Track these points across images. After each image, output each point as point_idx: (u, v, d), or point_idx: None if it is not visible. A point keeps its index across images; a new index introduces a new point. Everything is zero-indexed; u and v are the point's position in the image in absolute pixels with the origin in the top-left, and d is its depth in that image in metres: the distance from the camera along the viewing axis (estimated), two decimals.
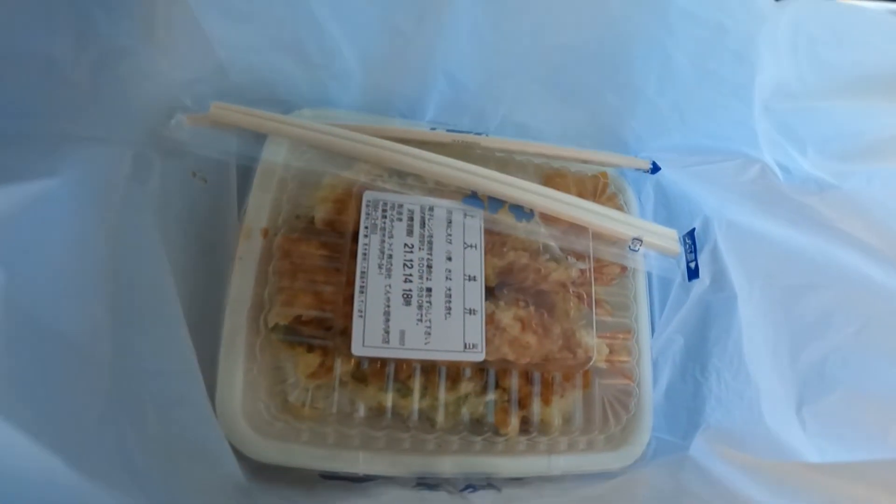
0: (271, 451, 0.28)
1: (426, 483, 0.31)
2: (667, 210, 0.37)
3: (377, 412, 0.29)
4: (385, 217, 0.29)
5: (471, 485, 0.31)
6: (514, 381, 0.30)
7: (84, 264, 0.22)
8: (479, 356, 0.28)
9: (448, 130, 0.32)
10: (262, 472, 0.30)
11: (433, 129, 0.32)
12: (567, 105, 0.35)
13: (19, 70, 0.22)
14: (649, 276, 0.37)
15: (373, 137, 0.30)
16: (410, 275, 0.29)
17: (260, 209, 0.31)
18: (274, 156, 0.32)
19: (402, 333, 0.28)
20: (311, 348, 0.29)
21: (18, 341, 0.18)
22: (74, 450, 0.18)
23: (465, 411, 0.30)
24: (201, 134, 0.30)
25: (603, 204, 0.34)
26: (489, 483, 0.31)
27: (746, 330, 0.30)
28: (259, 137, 0.32)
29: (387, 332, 0.28)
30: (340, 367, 0.28)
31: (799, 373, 0.27)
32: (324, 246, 0.30)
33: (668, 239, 0.33)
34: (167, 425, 0.24)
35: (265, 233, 0.30)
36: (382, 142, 0.29)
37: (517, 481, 0.31)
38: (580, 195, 0.33)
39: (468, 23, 0.29)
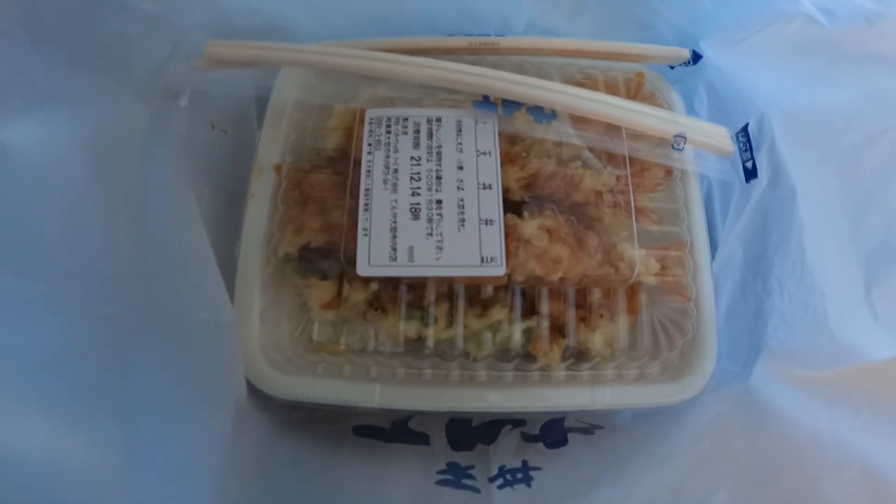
0: (287, 387, 0.26)
1: (451, 477, 0.29)
2: (721, 112, 0.32)
3: (398, 342, 0.27)
4: (389, 132, 0.27)
5: (502, 473, 0.28)
6: (551, 305, 0.27)
7: (107, 223, 0.21)
8: (500, 270, 0.25)
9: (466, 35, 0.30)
10: (291, 423, 0.29)
11: (450, 35, 0.30)
12: (586, 14, 0.32)
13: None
14: (710, 187, 0.32)
15: (372, 51, 0.28)
16: (418, 188, 0.26)
17: (271, 146, 0.30)
18: (284, 90, 0.31)
19: (411, 250, 0.25)
20: (324, 276, 0.27)
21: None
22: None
23: (498, 339, 0.27)
24: (207, 78, 0.29)
25: None
26: (524, 466, 0.29)
27: (808, 224, 0.25)
28: (271, 72, 0.31)
29: (394, 249, 0.25)
30: (354, 295, 0.27)
31: (863, 248, 0.22)
32: (334, 174, 0.28)
33: (719, 137, 0.29)
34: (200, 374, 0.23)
35: (278, 169, 0.29)
36: (382, 54, 0.28)
37: (554, 469, 0.28)
38: None
39: None
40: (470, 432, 0.31)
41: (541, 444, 0.30)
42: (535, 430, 0.31)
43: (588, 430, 0.30)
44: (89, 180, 0.21)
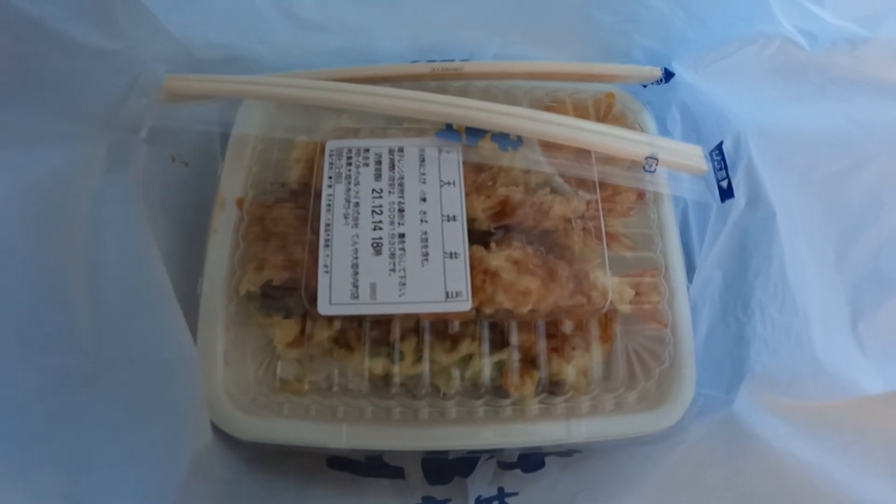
0: (253, 428, 0.26)
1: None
2: (695, 131, 0.31)
3: (365, 380, 0.26)
4: (350, 164, 0.27)
5: (478, 503, 0.28)
6: (522, 337, 0.26)
7: (52, 270, 0.21)
8: (465, 305, 0.25)
9: (429, 61, 0.29)
10: (262, 458, 0.29)
11: (414, 62, 0.29)
12: (557, 43, 0.31)
13: None
14: (685, 208, 0.32)
15: (331, 82, 0.27)
16: (380, 222, 0.26)
17: (233, 179, 0.29)
18: (246, 123, 0.30)
19: (374, 286, 0.25)
20: (288, 314, 0.26)
21: None
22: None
23: (468, 374, 0.26)
24: (167, 112, 0.29)
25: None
26: (500, 493, 0.28)
27: (789, 247, 0.24)
28: (233, 104, 0.30)
29: (355, 287, 0.25)
30: (318, 333, 0.26)
31: (850, 277, 0.21)
32: (297, 208, 0.28)
33: (693, 156, 0.28)
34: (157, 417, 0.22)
35: (240, 202, 0.29)
36: (341, 85, 0.27)
37: (530, 492, 0.28)
38: None
39: None
40: (447, 466, 0.31)
41: (518, 471, 0.30)
42: (513, 458, 0.30)
43: (566, 452, 0.30)
44: (27, 229, 0.20)
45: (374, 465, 0.30)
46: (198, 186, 0.31)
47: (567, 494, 0.27)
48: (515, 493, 0.28)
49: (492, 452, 0.30)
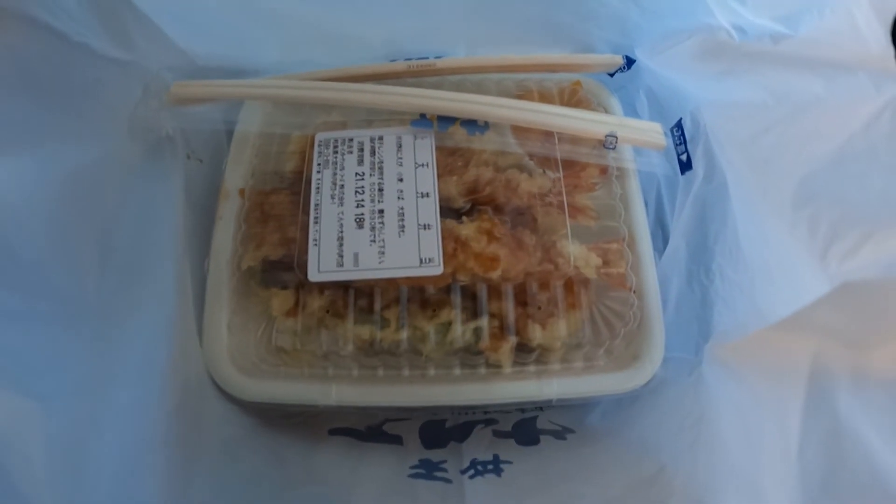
0: (253, 390, 0.28)
1: (423, 471, 0.30)
2: (660, 112, 0.34)
3: (352, 345, 0.29)
4: (336, 152, 0.30)
5: (474, 465, 0.30)
6: (497, 304, 0.29)
7: (79, 237, 0.24)
8: (437, 269, 0.27)
9: (406, 60, 0.32)
10: (269, 423, 0.31)
11: (392, 60, 0.32)
12: (522, 47, 0.34)
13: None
14: (659, 184, 0.34)
15: (318, 82, 0.31)
16: (362, 200, 0.29)
17: (236, 172, 0.33)
18: (247, 122, 0.34)
19: (356, 256, 0.27)
20: (284, 286, 0.29)
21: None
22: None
23: (448, 339, 0.29)
24: (177, 114, 0.32)
25: None
26: (495, 459, 0.30)
27: (738, 209, 0.26)
28: (236, 106, 0.34)
29: (341, 256, 0.28)
30: (311, 303, 0.29)
31: (779, 228, 0.23)
32: (292, 194, 0.31)
33: (651, 132, 0.30)
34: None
35: (241, 192, 0.32)
36: (328, 84, 0.30)
37: (525, 462, 0.30)
38: None
39: None
40: (443, 433, 0.33)
41: (512, 441, 0.31)
42: (507, 428, 0.32)
43: (560, 433, 0.31)
44: (64, 211, 0.23)
45: (373, 434, 0.32)
46: (206, 178, 0.34)
47: (561, 467, 0.29)
48: (510, 462, 0.30)
49: (486, 422, 0.32)
